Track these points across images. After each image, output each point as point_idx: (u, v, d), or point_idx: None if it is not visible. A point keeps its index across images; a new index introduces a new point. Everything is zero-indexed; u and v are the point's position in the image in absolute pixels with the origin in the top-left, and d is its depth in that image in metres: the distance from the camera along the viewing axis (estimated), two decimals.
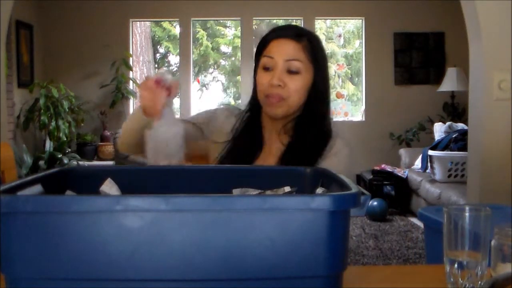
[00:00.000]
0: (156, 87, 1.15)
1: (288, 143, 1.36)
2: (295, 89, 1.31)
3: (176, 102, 8.36)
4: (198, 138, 1.43)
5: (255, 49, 1.42)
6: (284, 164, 1.32)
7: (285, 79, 1.31)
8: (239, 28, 6.04)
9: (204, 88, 8.87)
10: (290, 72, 1.31)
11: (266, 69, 1.33)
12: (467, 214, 0.80)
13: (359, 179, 5.34)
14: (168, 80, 1.17)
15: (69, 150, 5.02)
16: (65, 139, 4.90)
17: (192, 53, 6.02)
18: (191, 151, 1.46)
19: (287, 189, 0.92)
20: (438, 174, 4.23)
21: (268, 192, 0.91)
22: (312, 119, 1.36)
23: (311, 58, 1.33)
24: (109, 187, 0.90)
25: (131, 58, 5.81)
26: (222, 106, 1.51)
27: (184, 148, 1.27)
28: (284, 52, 1.31)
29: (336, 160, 1.33)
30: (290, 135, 1.37)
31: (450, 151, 4.24)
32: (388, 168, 5.03)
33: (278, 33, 1.35)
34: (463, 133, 4.21)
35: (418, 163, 4.86)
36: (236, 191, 0.94)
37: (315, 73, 1.34)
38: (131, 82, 5.74)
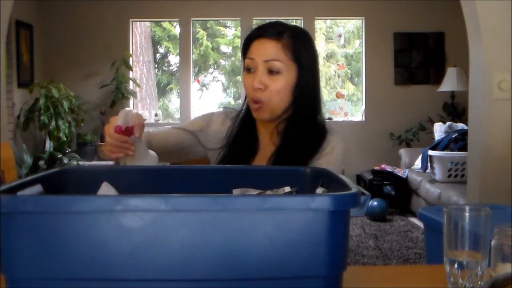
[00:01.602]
0: (118, 134, 1.12)
1: (278, 145, 1.34)
2: (276, 90, 1.28)
3: (176, 102, 8.38)
4: (194, 145, 1.42)
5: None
6: (274, 165, 1.30)
7: (266, 81, 1.28)
8: (239, 28, 6.04)
9: (204, 88, 8.86)
10: (271, 72, 1.28)
11: (249, 70, 1.31)
12: (467, 214, 0.80)
13: (359, 179, 5.34)
14: (130, 121, 1.14)
15: (69, 150, 5.02)
16: (65, 139, 4.90)
17: (192, 53, 6.02)
18: (189, 157, 1.46)
19: (287, 189, 0.91)
20: (438, 174, 4.23)
21: (268, 192, 0.91)
22: (301, 119, 1.33)
23: (293, 57, 1.29)
24: (106, 191, 0.90)
25: (131, 58, 5.81)
26: (219, 110, 1.48)
27: None
28: (264, 52, 1.29)
29: (333, 157, 1.31)
30: (281, 137, 1.35)
31: (450, 151, 4.24)
32: (388, 168, 5.03)
33: (258, 32, 1.32)
34: (463, 133, 4.21)
35: (418, 163, 4.86)
36: (236, 191, 0.94)
37: (299, 71, 1.30)
38: (131, 82, 5.74)
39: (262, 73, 1.29)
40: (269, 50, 1.29)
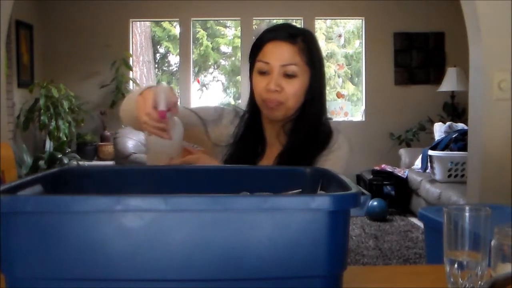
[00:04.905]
0: (160, 120, 1.10)
1: (285, 144, 1.36)
2: (293, 92, 1.29)
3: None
4: (200, 133, 1.40)
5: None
6: (281, 164, 1.31)
7: (282, 84, 1.29)
8: (239, 28, 6.04)
9: (204, 88, 8.87)
10: (287, 75, 1.29)
11: (262, 73, 1.31)
12: (467, 214, 0.80)
13: (359, 179, 5.34)
14: (164, 100, 1.10)
15: (69, 150, 5.02)
16: (65, 139, 4.90)
17: (192, 53, 6.02)
18: (191, 141, 1.45)
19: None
20: (438, 174, 4.23)
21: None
22: (309, 119, 1.35)
23: (307, 60, 1.31)
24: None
25: (131, 58, 5.81)
26: (228, 107, 1.47)
27: (181, 148, 1.26)
28: (280, 56, 1.29)
29: (340, 153, 1.34)
30: (288, 136, 1.37)
31: (450, 151, 4.24)
32: (388, 168, 5.03)
33: (272, 34, 1.31)
34: (463, 133, 4.21)
35: (418, 163, 4.86)
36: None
37: (312, 74, 1.32)
38: (131, 82, 5.74)
39: (278, 76, 1.29)
40: (285, 54, 1.29)
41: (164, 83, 1.36)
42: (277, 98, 1.29)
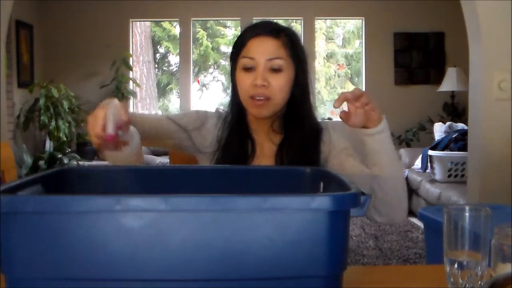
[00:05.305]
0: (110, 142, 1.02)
1: (281, 141, 1.34)
2: (279, 87, 1.28)
3: (176, 102, 8.32)
4: (184, 140, 1.37)
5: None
6: (280, 163, 1.31)
7: (269, 78, 1.27)
8: (239, 28, 6.04)
9: (204, 88, 8.87)
10: (273, 70, 1.28)
11: (247, 69, 1.29)
12: (467, 214, 0.80)
13: None
14: (118, 119, 1.04)
15: (69, 150, 5.02)
16: (65, 139, 4.90)
17: (192, 53, 6.02)
18: (176, 148, 1.43)
19: None
20: (438, 174, 4.23)
21: None
22: (299, 114, 1.34)
23: (292, 54, 1.30)
24: None
25: (131, 58, 5.81)
26: (211, 111, 1.44)
27: (141, 152, 1.22)
28: (265, 51, 1.28)
29: (350, 151, 1.34)
30: (280, 134, 1.36)
31: (450, 151, 4.24)
32: None
33: (255, 31, 1.31)
34: (463, 133, 4.21)
35: (418, 163, 4.86)
36: None
37: (297, 68, 1.32)
38: (131, 82, 5.74)
39: (264, 70, 1.28)
40: (270, 48, 1.28)
41: (116, 100, 1.28)
42: (265, 93, 1.27)
